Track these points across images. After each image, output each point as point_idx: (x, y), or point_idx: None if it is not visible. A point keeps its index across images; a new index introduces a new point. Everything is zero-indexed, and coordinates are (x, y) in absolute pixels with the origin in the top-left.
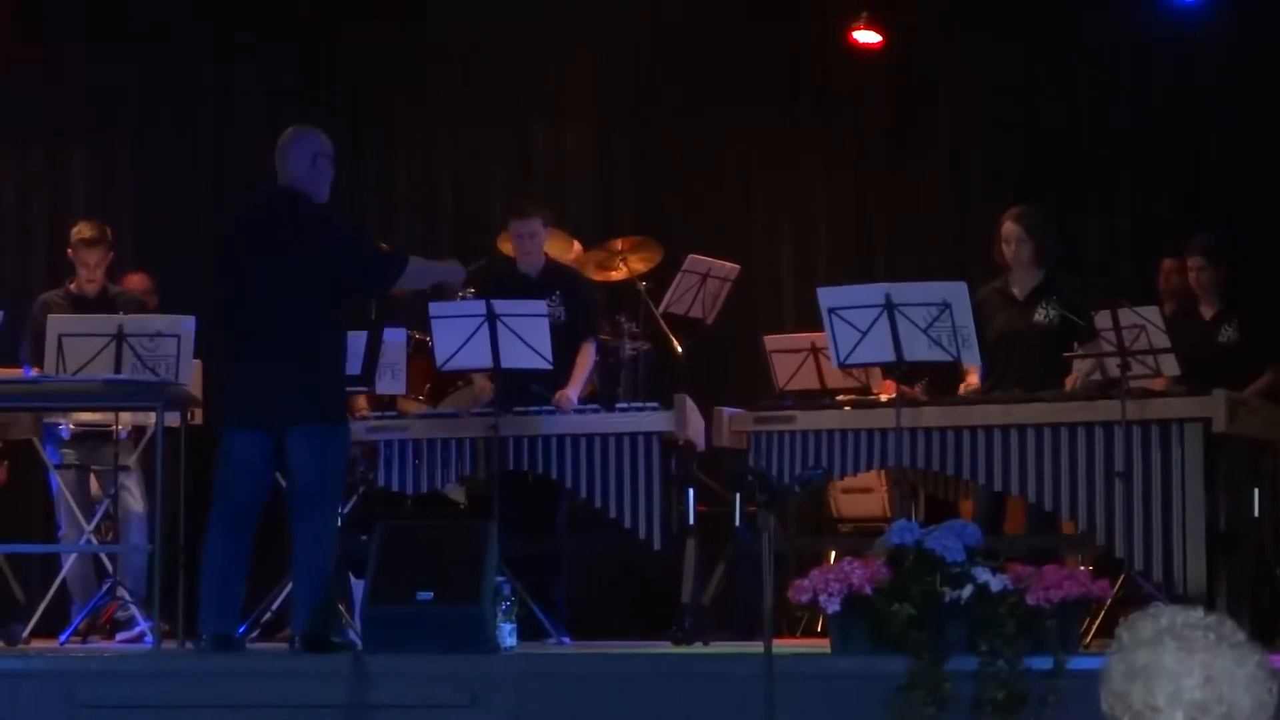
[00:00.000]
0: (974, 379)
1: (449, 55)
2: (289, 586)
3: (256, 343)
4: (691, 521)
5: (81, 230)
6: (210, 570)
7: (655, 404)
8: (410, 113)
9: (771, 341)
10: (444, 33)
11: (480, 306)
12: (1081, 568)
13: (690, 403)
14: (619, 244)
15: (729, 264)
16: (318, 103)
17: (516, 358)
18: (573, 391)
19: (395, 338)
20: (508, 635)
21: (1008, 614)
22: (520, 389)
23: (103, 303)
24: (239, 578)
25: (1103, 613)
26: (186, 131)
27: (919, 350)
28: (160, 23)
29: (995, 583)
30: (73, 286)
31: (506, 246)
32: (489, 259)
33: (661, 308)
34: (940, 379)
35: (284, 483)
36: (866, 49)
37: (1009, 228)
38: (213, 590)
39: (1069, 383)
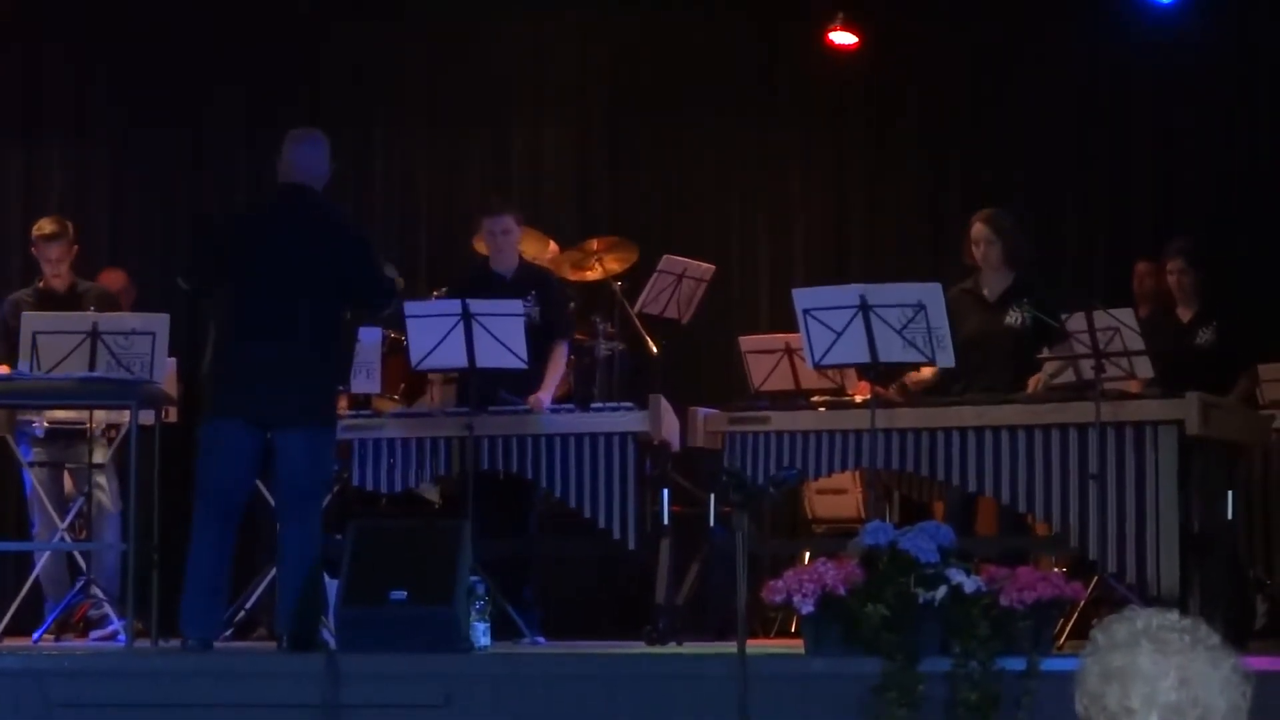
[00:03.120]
0: (925, 372)
1: (427, 55)
2: (263, 584)
3: (264, 337)
4: (666, 522)
5: (41, 226)
6: (197, 573)
7: (630, 404)
8: (388, 113)
9: (746, 342)
10: (422, 33)
11: (455, 306)
12: (1055, 569)
13: (665, 403)
14: (595, 244)
15: (704, 264)
16: (295, 101)
17: (492, 357)
18: (545, 395)
19: (370, 337)
20: (482, 635)
21: (981, 615)
22: (489, 394)
23: (71, 299)
24: (226, 580)
25: (1076, 614)
26: (164, 131)
27: (894, 351)
28: (139, 22)
29: (969, 584)
30: (41, 284)
31: (482, 247)
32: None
33: (637, 308)
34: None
35: (260, 483)
36: (843, 50)
37: (978, 230)
38: (200, 594)
39: (1033, 383)
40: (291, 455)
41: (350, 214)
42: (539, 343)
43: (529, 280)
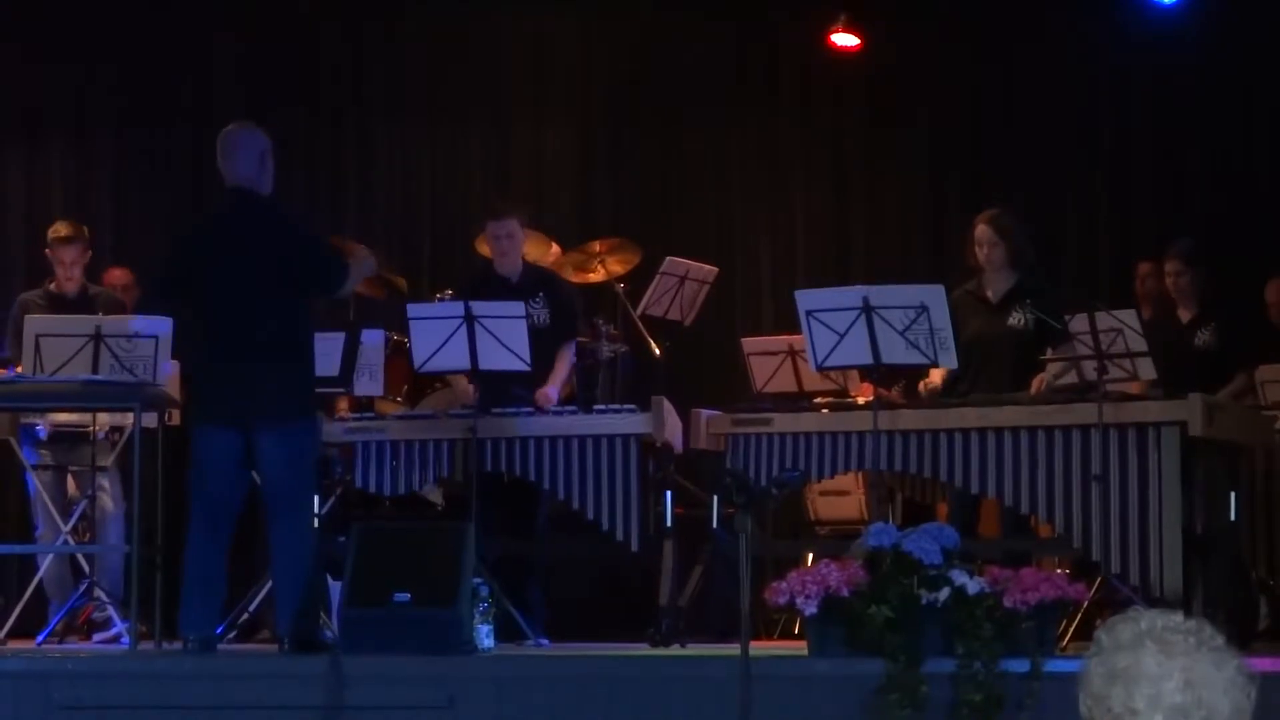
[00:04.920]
0: (935, 378)
1: (428, 56)
2: (267, 587)
3: (227, 342)
4: (669, 524)
5: (58, 229)
6: (193, 573)
7: (633, 406)
8: (390, 113)
9: (749, 344)
10: (423, 33)
11: (458, 308)
12: (1058, 570)
13: (668, 405)
14: (597, 246)
15: (707, 266)
16: (297, 102)
17: (494, 359)
18: (552, 389)
19: (373, 339)
20: (485, 637)
21: (985, 616)
22: (501, 391)
23: (82, 302)
24: (221, 579)
25: (1079, 615)
26: (165, 131)
27: (896, 353)
28: (139, 22)
29: (972, 585)
30: (52, 286)
31: (485, 249)
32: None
33: (639, 310)
34: (917, 382)
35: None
36: (845, 51)
37: (981, 231)
38: (196, 593)
39: (1036, 384)
40: (271, 454)
41: (296, 209)
42: (547, 345)
43: (536, 282)
